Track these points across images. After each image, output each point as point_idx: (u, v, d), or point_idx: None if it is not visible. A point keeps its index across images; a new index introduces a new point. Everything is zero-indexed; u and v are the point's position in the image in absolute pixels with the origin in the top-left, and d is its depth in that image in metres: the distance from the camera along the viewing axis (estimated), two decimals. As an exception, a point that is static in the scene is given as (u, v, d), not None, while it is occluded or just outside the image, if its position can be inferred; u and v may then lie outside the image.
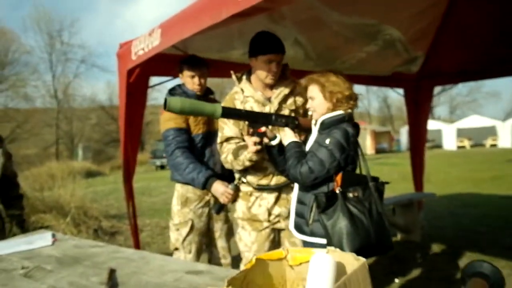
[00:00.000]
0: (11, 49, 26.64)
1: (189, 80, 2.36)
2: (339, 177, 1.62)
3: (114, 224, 5.63)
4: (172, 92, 2.40)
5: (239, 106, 2.07)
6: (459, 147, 27.02)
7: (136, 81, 2.79)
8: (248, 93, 2.07)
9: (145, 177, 14.47)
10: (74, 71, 33.62)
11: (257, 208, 2.11)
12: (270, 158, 1.91)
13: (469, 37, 3.76)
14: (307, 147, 1.81)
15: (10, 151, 2.35)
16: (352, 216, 1.58)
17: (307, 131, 1.89)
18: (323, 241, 1.65)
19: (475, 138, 28.46)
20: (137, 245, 3.15)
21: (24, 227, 2.31)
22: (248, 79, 2.12)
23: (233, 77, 2.12)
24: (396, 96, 46.14)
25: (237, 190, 2.13)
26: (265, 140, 1.83)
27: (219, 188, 2.15)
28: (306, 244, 1.78)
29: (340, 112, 1.74)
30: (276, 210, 2.10)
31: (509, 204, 6.46)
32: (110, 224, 5.56)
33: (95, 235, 4.98)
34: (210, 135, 2.39)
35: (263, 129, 1.82)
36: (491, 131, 27.17)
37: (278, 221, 2.11)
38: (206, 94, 2.46)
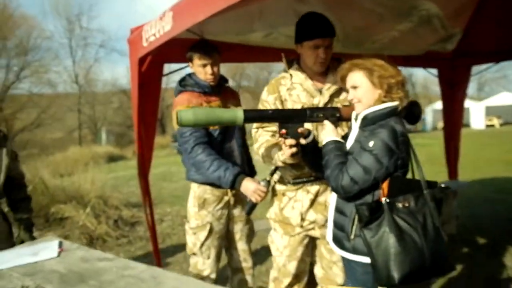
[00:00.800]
0: (33, 35, 26.83)
1: (201, 70, 2.13)
2: (385, 185, 1.37)
3: (135, 213, 5.52)
4: (182, 83, 2.18)
5: (284, 92, 1.90)
6: (487, 126, 25.98)
7: (149, 70, 2.57)
8: (297, 80, 1.89)
9: (166, 161, 14.45)
10: (93, 56, 33.87)
11: (290, 210, 1.92)
12: (304, 159, 1.67)
13: (511, 14, 3.40)
14: (347, 145, 1.56)
15: (15, 150, 2.18)
16: (402, 233, 1.32)
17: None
18: (367, 259, 1.42)
19: (505, 116, 27.27)
20: (156, 250, 2.99)
21: (32, 231, 2.17)
22: (300, 66, 1.92)
23: (283, 60, 1.94)
24: (421, 74, 44.76)
25: (269, 186, 1.92)
26: (301, 141, 1.57)
27: (250, 186, 1.92)
28: (346, 261, 1.55)
29: (387, 104, 1.47)
30: (311, 215, 1.90)
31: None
32: (130, 214, 5.45)
33: (115, 226, 4.89)
34: (228, 130, 2.17)
35: (300, 129, 1.56)
36: (522, 109, 26.01)
37: (313, 228, 1.91)
38: (220, 84, 2.23)
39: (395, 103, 1.48)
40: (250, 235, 2.33)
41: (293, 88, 1.90)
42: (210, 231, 2.15)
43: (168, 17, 2.03)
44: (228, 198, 2.20)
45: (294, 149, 1.57)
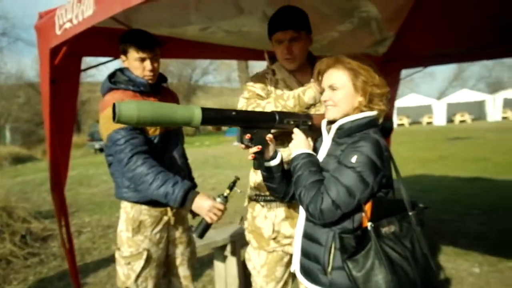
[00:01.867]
0: None
1: (137, 65, 1.79)
2: (368, 207, 1.17)
3: (47, 225, 4.85)
4: (112, 80, 1.81)
5: (270, 88, 1.74)
6: (398, 125, 28.13)
7: (64, 63, 2.12)
8: (280, 75, 1.73)
9: (82, 162, 13.31)
10: (-6, 45, 30.30)
11: (261, 220, 1.73)
12: (266, 181, 1.43)
13: (445, 20, 3.53)
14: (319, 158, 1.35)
15: None
16: (392, 264, 1.14)
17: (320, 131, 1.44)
18: None
19: (413, 116, 29.76)
20: (73, 269, 2.53)
21: None
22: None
23: (265, 56, 1.89)
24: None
25: (227, 203, 1.70)
26: (267, 163, 1.37)
27: (205, 204, 1.63)
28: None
29: (367, 114, 1.28)
30: (286, 229, 1.71)
31: (465, 186, 6.52)
32: (41, 226, 4.77)
33: (22, 243, 4.22)
34: (170, 136, 1.86)
35: (267, 136, 1.34)
36: (427, 110, 28.60)
37: (289, 244, 1.71)
38: (158, 83, 1.90)
39: (374, 112, 1.30)
40: (192, 258, 2.03)
41: (277, 83, 1.74)
42: (148, 259, 1.82)
43: (89, 0, 1.65)
44: (168, 218, 1.89)
45: (256, 160, 1.34)
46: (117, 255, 1.86)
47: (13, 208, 4.82)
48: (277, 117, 1.35)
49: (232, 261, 2.81)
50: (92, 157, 16.16)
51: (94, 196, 7.16)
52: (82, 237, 4.63)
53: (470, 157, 9.83)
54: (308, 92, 1.61)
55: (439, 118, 27.74)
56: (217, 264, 2.92)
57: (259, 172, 1.76)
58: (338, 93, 1.29)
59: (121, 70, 1.84)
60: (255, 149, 1.30)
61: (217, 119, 1.23)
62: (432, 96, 31.58)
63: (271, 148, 1.35)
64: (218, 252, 2.87)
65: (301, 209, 1.35)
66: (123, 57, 1.83)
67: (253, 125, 1.31)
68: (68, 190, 2.38)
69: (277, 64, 1.79)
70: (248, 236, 1.82)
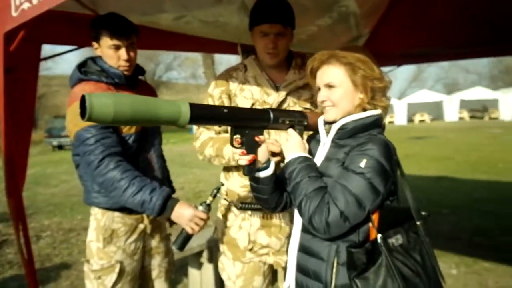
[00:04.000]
0: None
1: (112, 53, 1.58)
2: (376, 216, 1.05)
3: (1, 230, 4.48)
4: (82, 69, 1.60)
5: (234, 87, 1.62)
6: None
7: (21, 50, 1.87)
8: (252, 73, 1.62)
9: (40, 160, 12.63)
10: None
11: (236, 230, 1.62)
12: (254, 190, 1.27)
13: (420, 19, 3.53)
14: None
15: None
16: (405, 281, 1.01)
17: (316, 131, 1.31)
18: None
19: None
20: (31, 278, 2.27)
21: None
22: (257, 58, 1.68)
23: (238, 49, 1.79)
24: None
25: (210, 211, 1.53)
26: (258, 173, 1.22)
27: (186, 213, 1.46)
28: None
29: (371, 112, 1.16)
30: (263, 238, 1.60)
31: (432, 186, 6.63)
32: (-6, 231, 4.40)
33: (-29, 250, 3.85)
34: (146, 135, 1.67)
35: (257, 138, 1.18)
36: (389, 109, 29.37)
37: (266, 254, 1.61)
38: (135, 75, 1.70)
39: (379, 111, 1.18)
40: (170, 270, 1.84)
41: (245, 82, 1.62)
42: (121, 273, 1.62)
43: (53, -23, 1.44)
44: (144, 226, 1.70)
45: (248, 166, 1.18)
46: (85, 268, 1.65)
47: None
48: (271, 116, 1.19)
49: (208, 269, 2.64)
50: (50, 155, 15.39)
51: (54, 197, 6.72)
52: (41, 242, 4.28)
53: (434, 156, 10.11)
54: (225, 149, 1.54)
55: (400, 118, 28.52)
56: (192, 271, 2.73)
57: (231, 178, 1.64)
58: (336, 92, 1.17)
59: (93, 59, 1.63)
60: (249, 157, 1.15)
61: (206, 117, 1.06)
62: (393, 96, 32.52)
63: (264, 154, 1.20)
64: (194, 259, 2.69)
65: (296, 219, 1.21)
66: (95, 44, 1.62)
67: (245, 124, 1.15)
68: (25, 190, 2.12)
69: (250, 59, 1.68)
70: (222, 248, 1.70)
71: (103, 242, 1.60)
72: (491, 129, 18.00)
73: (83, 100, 0.86)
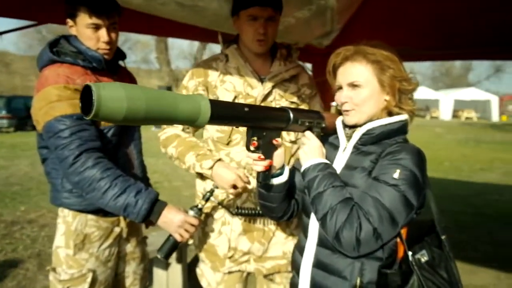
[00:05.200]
0: None
1: (89, 34, 1.38)
2: (404, 231, 0.97)
3: None
4: (54, 49, 1.38)
5: (214, 78, 1.50)
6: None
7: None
8: (234, 63, 1.50)
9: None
10: None
11: (215, 236, 1.50)
12: (262, 198, 1.16)
13: (391, 18, 3.54)
14: None
15: None
16: None
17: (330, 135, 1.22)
18: None
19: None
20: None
21: None
22: (239, 47, 1.54)
23: (219, 38, 1.54)
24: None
25: (201, 216, 1.43)
26: (273, 180, 1.11)
27: (175, 218, 1.32)
28: None
29: (399, 117, 1.08)
30: (244, 245, 1.48)
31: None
32: None
33: None
34: (126, 128, 1.49)
35: (274, 141, 1.07)
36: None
37: (247, 261, 1.51)
38: (115, 59, 1.51)
39: (406, 116, 1.10)
40: (145, 277, 1.69)
41: (227, 73, 1.50)
42: (93, 283, 1.44)
43: None
44: (120, 230, 1.53)
45: (263, 173, 1.07)
46: (51, 277, 1.46)
47: None
48: (291, 116, 1.07)
49: (176, 269, 2.47)
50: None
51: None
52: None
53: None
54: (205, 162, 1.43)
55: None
56: (157, 271, 2.55)
57: (208, 179, 1.50)
58: (361, 92, 1.07)
59: (67, 38, 1.42)
60: (266, 162, 1.03)
61: (227, 117, 0.91)
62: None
63: (280, 158, 1.08)
64: (159, 258, 2.51)
65: (311, 231, 1.10)
66: (70, 21, 1.41)
67: (264, 125, 1.02)
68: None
69: (231, 48, 1.55)
70: (201, 255, 1.59)
71: (73, 248, 1.42)
72: (434, 128, 19.03)
73: (86, 91, 0.69)
